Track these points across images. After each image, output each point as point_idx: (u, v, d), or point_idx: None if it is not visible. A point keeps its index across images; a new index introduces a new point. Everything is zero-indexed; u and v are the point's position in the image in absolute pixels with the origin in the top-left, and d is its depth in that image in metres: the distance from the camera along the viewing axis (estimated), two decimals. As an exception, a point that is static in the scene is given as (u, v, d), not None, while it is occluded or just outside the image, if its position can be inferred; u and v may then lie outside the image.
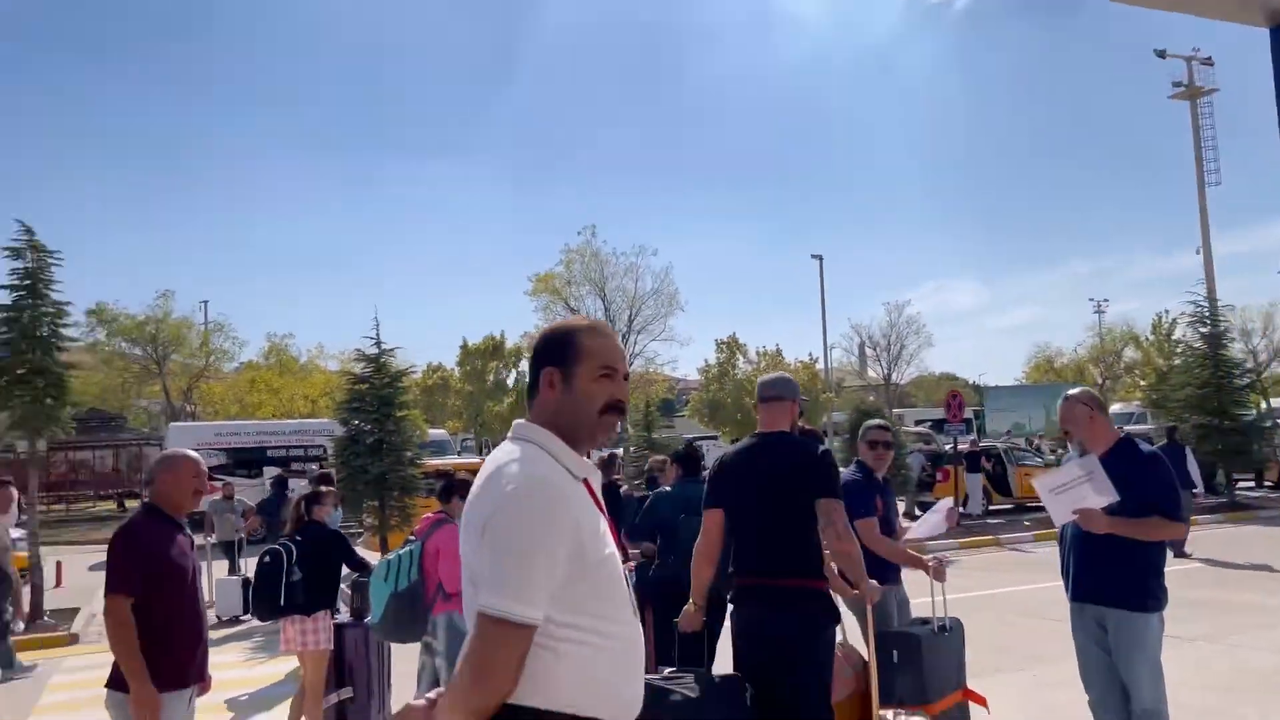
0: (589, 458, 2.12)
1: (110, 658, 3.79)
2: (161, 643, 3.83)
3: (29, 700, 8.27)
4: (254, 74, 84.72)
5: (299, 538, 6.29)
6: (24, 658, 9.61)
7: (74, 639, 11.01)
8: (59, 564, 15.74)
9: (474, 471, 8.03)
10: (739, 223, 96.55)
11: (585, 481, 2.04)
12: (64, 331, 12.49)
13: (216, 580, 12.46)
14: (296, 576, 6.07)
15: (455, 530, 5.53)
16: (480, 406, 38.57)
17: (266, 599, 6.08)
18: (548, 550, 1.84)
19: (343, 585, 6.60)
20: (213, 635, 11.31)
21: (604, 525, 2.02)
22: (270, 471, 23.03)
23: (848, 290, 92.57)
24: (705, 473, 5.25)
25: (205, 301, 39.79)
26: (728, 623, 4.11)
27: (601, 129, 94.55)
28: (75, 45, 77.86)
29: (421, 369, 39.77)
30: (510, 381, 40.26)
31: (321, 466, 19.10)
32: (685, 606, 4.22)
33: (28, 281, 12.10)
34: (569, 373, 2.06)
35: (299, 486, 14.47)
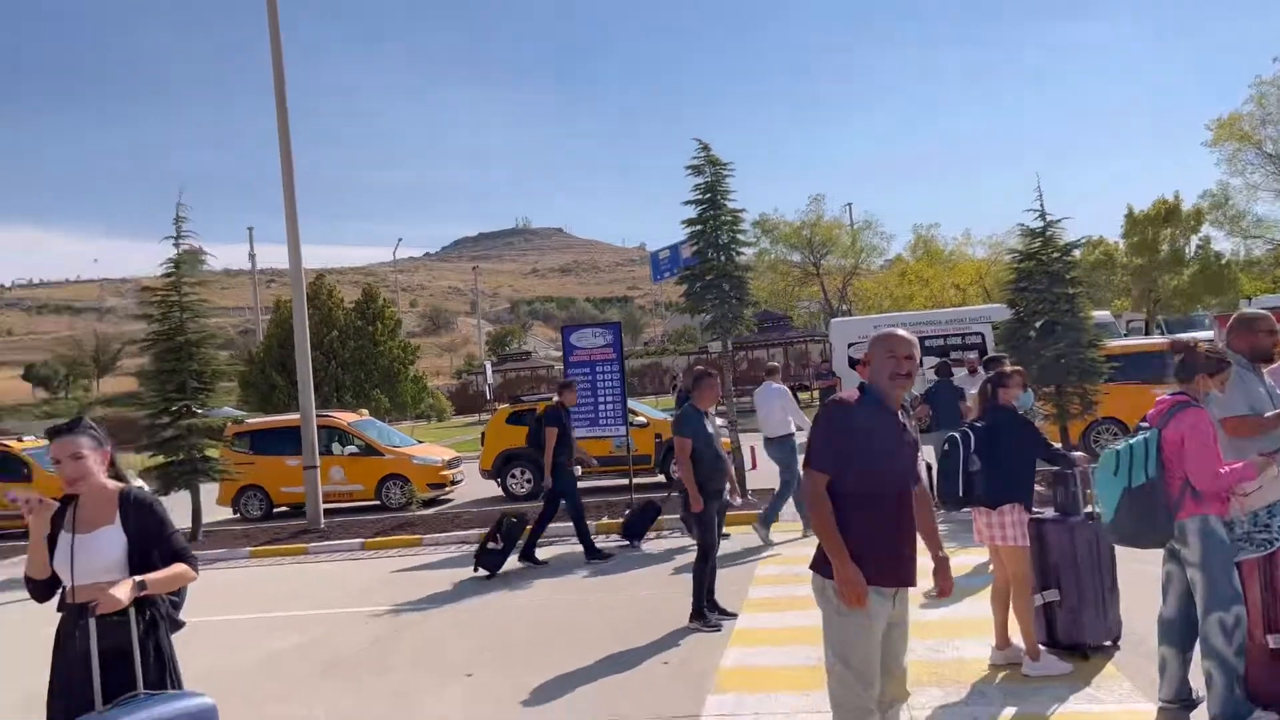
0: None
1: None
2: (856, 530, 3.49)
3: (747, 572, 9.08)
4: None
5: (979, 424, 5.75)
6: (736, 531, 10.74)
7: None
8: (752, 449, 17.46)
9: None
10: None
11: None
12: (740, 237, 13.49)
13: None
14: (975, 466, 5.55)
15: (1201, 415, 4.41)
16: (1153, 281, 34.04)
17: (946, 489, 5.71)
18: None
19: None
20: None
21: None
22: (929, 362, 23.03)
23: None
24: None
25: (850, 204, 41.30)
26: None
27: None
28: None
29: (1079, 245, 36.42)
30: (1191, 249, 34.75)
31: (983, 355, 18.37)
32: None
33: (708, 195, 13.24)
34: None
35: (961, 377, 13.99)
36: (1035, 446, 5.74)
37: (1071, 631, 5.66)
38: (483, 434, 17.27)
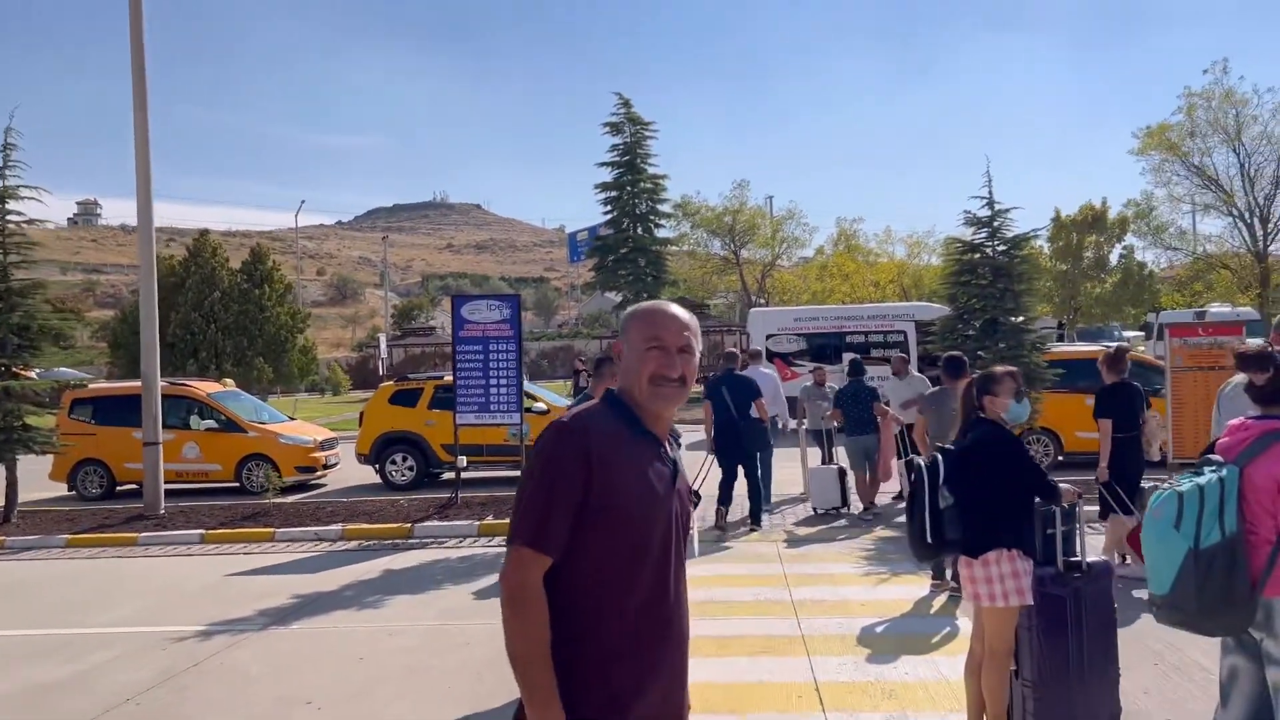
0: None
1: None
2: (595, 644, 2.04)
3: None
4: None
5: (953, 444, 4.43)
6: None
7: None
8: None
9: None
10: None
11: None
12: (661, 208, 12.00)
13: (811, 469, 11.53)
14: (946, 502, 4.21)
15: None
16: (1076, 288, 33.55)
17: (912, 533, 4.35)
18: None
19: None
20: (802, 531, 10.34)
21: None
22: (849, 358, 21.99)
23: None
24: None
25: (771, 197, 40.12)
26: None
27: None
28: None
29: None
30: (1114, 258, 34.42)
31: (905, 354, 17.34)
32: None
33: (627, 157, 11.72)
34: None
35: (879, 377, 12.90)
36: (1025, 472, 4.37)
37: (1031, 716, 4.34)
38: (361, 413, 15.45)
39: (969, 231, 12.10)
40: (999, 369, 4.54)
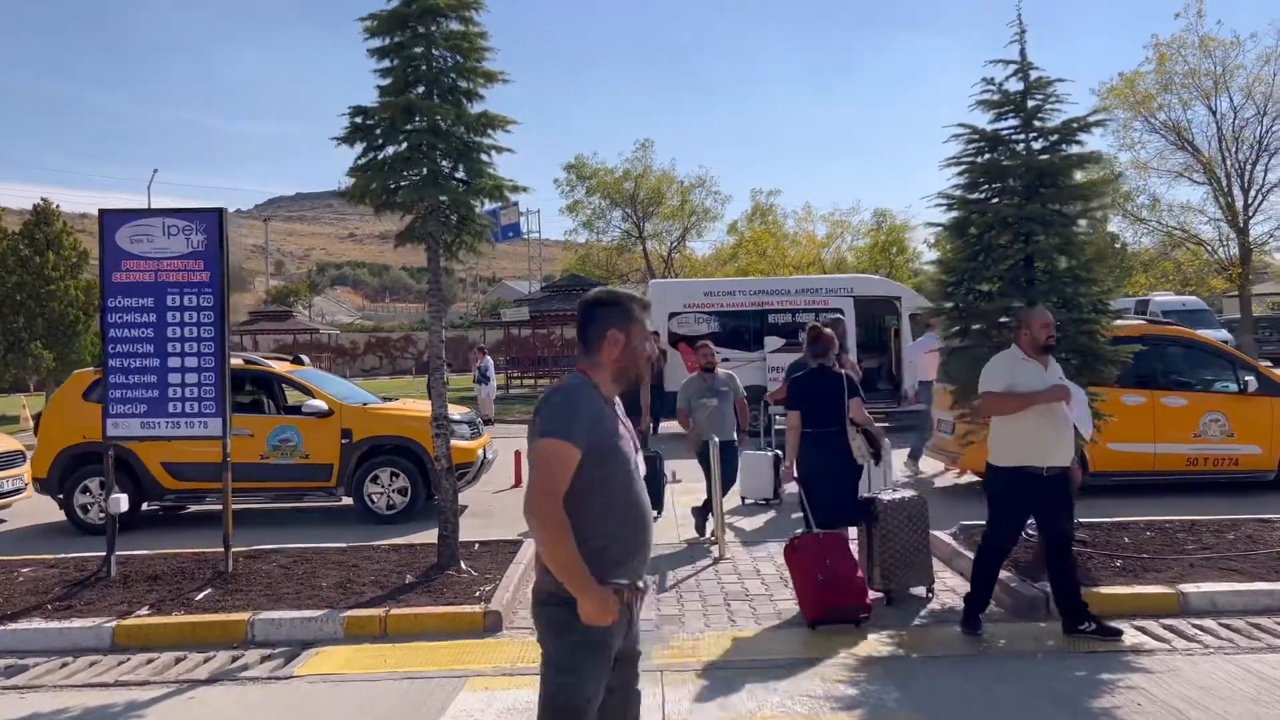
0: None
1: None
2: None
3: None
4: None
5: None
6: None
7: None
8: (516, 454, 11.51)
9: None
10: None
11: None
12: (479, 66, 6.96)
13: (744, 455, 9.17)
14: None
15: None
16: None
17: None
18: None
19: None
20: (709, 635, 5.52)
21: None
22: (772, 343, 17.41)
23: None
24: None
25: (674, 159, 35.42)
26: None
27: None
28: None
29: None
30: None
31: (849, 334, 13.01)
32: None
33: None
34: None
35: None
36: None
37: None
38: (36, 416, 10.10)
39: (986, 119, 7.41)
40: None
